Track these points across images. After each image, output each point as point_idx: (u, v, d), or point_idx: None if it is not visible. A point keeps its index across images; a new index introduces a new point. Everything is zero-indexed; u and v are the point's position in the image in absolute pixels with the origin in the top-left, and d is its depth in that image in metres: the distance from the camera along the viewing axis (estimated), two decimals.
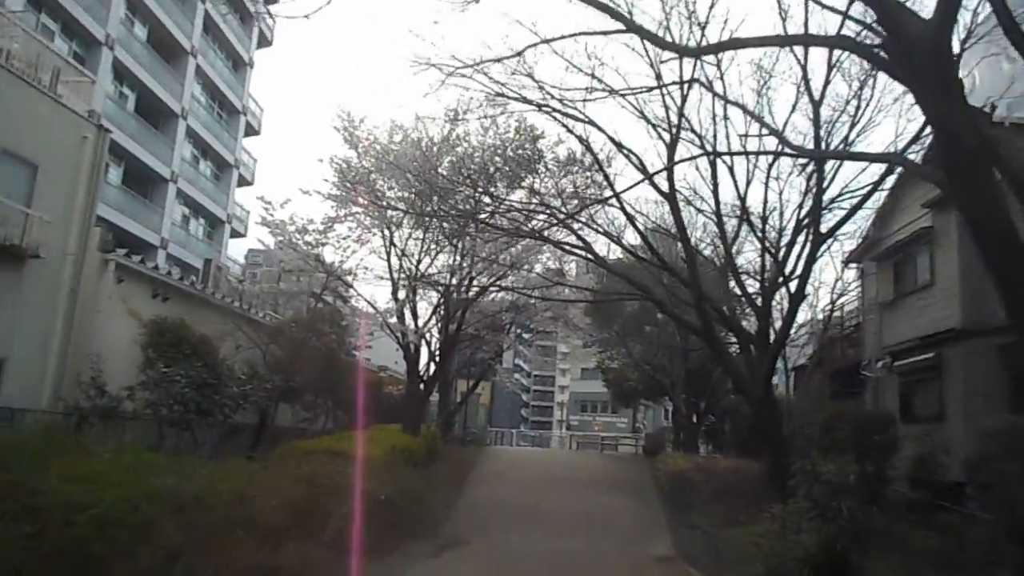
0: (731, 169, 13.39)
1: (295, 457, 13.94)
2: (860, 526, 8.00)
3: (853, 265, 18.09)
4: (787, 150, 10.26)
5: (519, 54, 8.04)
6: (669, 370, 26.67)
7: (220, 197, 42.59)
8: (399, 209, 15.25)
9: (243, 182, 45.30)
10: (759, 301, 13.55)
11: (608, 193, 13.56)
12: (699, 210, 14.62)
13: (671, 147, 11.94)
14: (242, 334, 16.51)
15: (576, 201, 14.23)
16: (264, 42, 47.36)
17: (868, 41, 6.73)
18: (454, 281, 20.86)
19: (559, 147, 17.08)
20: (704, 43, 9.21)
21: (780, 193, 14.87)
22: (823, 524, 7.92)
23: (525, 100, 11.09)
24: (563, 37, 7.45)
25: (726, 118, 12.40)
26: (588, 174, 15.44)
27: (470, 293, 20.83)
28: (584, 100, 10.71)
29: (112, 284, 13.94)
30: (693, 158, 11.83)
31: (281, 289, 19.28)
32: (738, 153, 12.85)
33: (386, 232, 20.10)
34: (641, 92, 10.70)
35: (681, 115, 11.62)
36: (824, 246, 12.96)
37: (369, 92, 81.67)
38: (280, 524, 7.15)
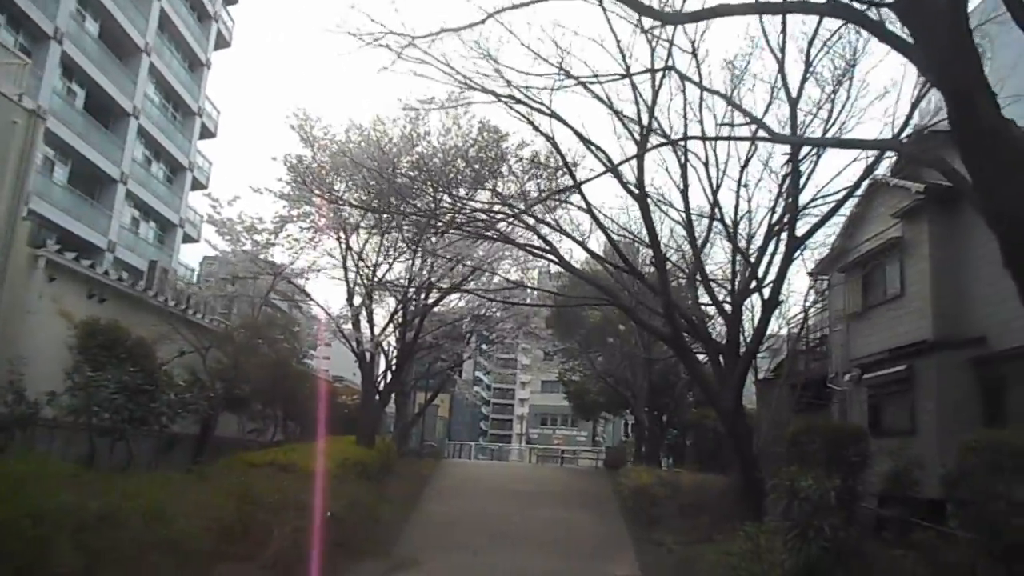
0: (705, 165, 12.85)
1: (238, 470, 13.09)
2: (842, 547, 7.48)
3: (821, 277, 17.80)
4: (765, 134, 9.77)
5: (482, 21, 7.43)
6: (631, 382, 26.22)
7: (173, 200, 41.22)
8: (355, 206, 14.48)
9: (197, 185, 43.86)
10: (728, 309, 13.04)
11: (574, 192, 12.94)
12: (666, 214, 14.15)
13: (641, 143, 11.39)
14: (186, 339, 15.54)
15: (540, 205, 13.62)
16: (223, 43, 46.09)
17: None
18: (412, 286, 20.14)
19: (524, 150, 16.54)
20: (685, 13, 8.66)
21: (749, 200, 14.40)
22: (803, 544, 7.39)
23: (486, 91, 10.48)
24: (532, 2, 6.83)
25: (700, 119, 11.95)
26: (555, 177, 14.88)
27: (429, 299, 20.13)
28: (551, 89, 10.12)
29: (43, 282, 12.91)
30: (665, 144, 11.21)
31: (230, 292, 18.29)
32: (713, 138, 12.33)
33: (342, 235, 19.33)
34: (611, 80, 10.14)
35: (653, 109, 11.09)
36: (798, 252, 12.53)
37: (330, 96, 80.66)
38: (207, 545, 6.37)
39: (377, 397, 20.28)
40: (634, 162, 11.54)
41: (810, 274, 17.91)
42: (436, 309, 21.29)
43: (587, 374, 29.99)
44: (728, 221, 13.01)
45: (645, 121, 11.18)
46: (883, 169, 15.29)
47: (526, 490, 20.89)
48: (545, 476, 26.39)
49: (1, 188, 11.91)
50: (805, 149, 11.77)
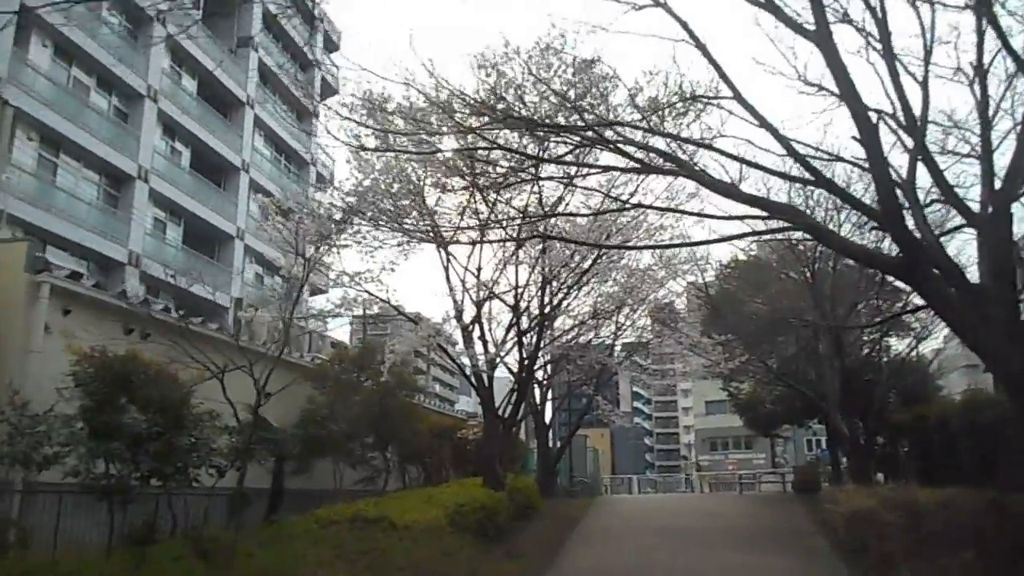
0: None
1: (306, 530, 9.98)
2: None
3: None
4: None
5: None
6: (817, 383, 21.13)
7: None
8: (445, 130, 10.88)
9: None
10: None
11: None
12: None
13: None
14: (201, 363, 12.50)
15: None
16: (329, 91, 45.45)
17: None
18: (532, 290, 16.78)
19: (641, 95, 12.65)
20: None
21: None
22: None
23: None
24: None
25: None
26: (699, 107, 10.79)
27: (551, 301, 16.66)
28: None
29: (52, 315, 10.44)
30: None
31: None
32: None
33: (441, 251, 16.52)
34: None
35: None
36: None
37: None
38: None
39: (500, 428, 16.68)
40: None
41: None
42: (561, 308, 17.69)
43: (758, 380, 25.04)
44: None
45: None
46: None
47: (701, 526, 16.51)
48: (723, 508, 21.66)
49: None
50: None
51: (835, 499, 15.52)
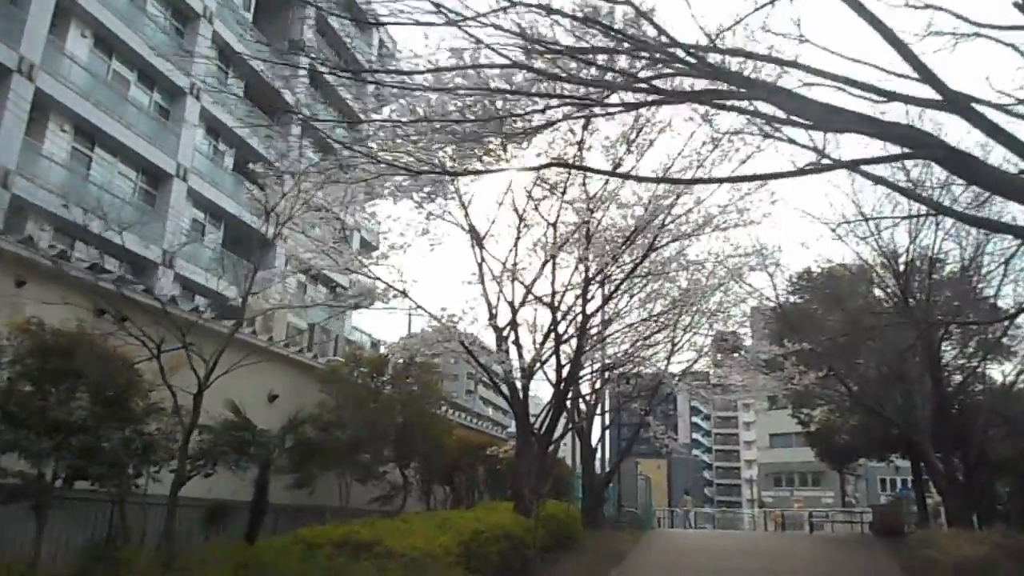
0: None
1: (287, 550, 8.18)
2: None
3: None
4: None
5: None
6: (906, 410, 18.38)
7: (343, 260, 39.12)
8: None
9: (367, 246, 41.66)
10: None
11: None
12: None
13: None
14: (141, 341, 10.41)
15: None
16: (383, 100, 44.55)
17: None
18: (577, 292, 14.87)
19: None
20: None
21: None
22: None
23: None
24: None
25: None
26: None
27: (601, 295, 14.73)
28: None
29: (1, 286, 8.94)
30: None
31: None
32: None
33: (476, 249, 14.94)
34: None
35: None
36: None
37: None
38: None
39: (536, 445, 14.59)
40: None
41: None
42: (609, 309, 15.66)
43: (833, 406, 22.34)
44: None
45: None
46: None
47: (767, 569, 14.09)
48: (792, 550, 19.00)
49: None
50: None
51: (932, 543, 12.99)
